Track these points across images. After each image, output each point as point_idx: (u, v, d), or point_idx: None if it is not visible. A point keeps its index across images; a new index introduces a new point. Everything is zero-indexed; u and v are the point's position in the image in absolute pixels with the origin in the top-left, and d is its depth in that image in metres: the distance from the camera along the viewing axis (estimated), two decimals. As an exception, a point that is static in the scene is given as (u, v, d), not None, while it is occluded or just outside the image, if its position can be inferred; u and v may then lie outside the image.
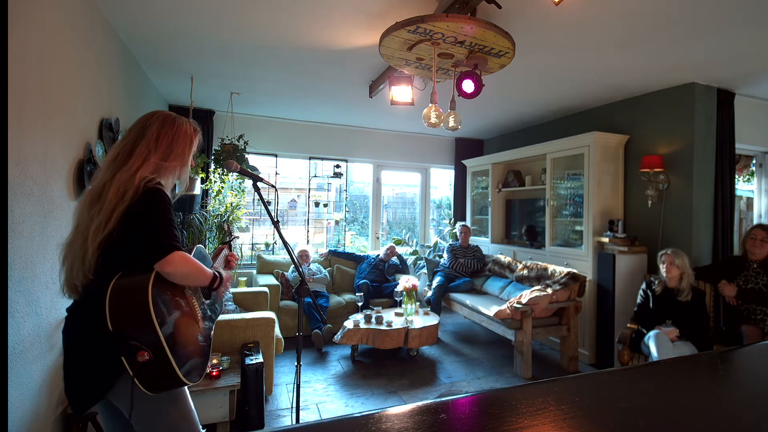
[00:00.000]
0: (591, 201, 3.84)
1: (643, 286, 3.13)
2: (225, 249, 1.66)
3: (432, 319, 3.91)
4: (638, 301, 3.12)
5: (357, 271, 5.13)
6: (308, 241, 5.51)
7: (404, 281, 4.07)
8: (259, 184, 1.79)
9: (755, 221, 4.40)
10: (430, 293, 4.68)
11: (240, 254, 4.64)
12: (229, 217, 4.17)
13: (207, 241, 4.03)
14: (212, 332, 1.42)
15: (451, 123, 2.52)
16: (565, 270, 3.78)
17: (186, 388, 1.32)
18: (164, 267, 1.17)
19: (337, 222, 5.83)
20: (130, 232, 1.19)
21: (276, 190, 3.50)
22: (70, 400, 1.22)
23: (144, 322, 1.12)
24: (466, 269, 4.82)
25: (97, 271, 1.20)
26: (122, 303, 1.13)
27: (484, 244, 5.44)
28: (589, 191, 3.86)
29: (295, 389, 1.89)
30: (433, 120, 2.43)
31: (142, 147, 1.29)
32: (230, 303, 3.41)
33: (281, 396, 3.08)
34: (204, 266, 1.32)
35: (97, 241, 1.18)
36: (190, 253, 1.32)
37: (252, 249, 5.32)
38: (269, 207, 1.82)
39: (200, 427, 1.35)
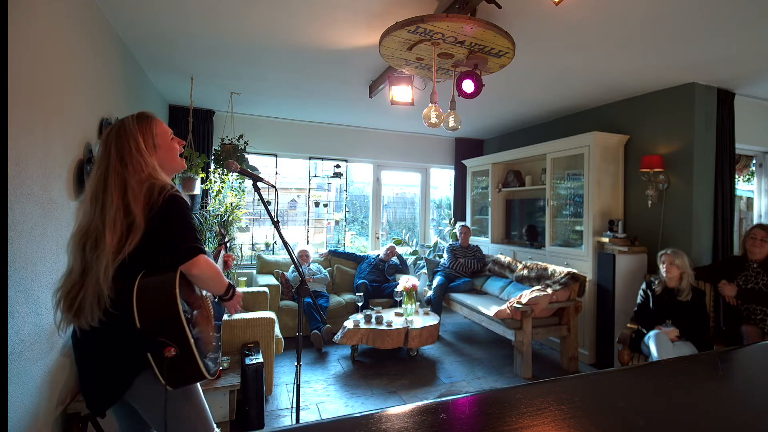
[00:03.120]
0: (591, 201, 3.84)
1: (643, 286, 3.13)
2: (222, 250, 1.68)
3: (432, 319, 3.91)
4: (638, 301, 3.12)
5: (357, 271, 5.13)
6: (308, 241, 5.51)
7: (404, 281, 4.07)
8: (259, 184, 1.79)
9: (755, 221, 4.40)
10: (430, 293, 4.68)
11: (240, 254, 4.64)
12: (229, 217, 4.17)
13: (207, 241, 4.03)
14: (221, 329, 1.48)
15: (451, 123, 2.52)
16: (565, 270, 3.78)
17: (199, 386, 1.36)
18: (191, 269, 1.20)
19: (337, 222, 5.83)
20: (154, 238, 1.21)
21: (276, 190, 3.50)
22: (89, 401, 1.24)
23: (172, 319, 1.15)
24: (466, 269, 4.81)
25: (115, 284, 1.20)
26: (150, 300, 1.16)
27: (484, 244, 5.44)
28: (589, 191, 3.86)
29: (295, 389, 1.89)
30: (433, 120, 2.43)
31: (113, 177, 1.24)
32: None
33: (281, 396, 3.08)
34: (222, 274, 1.36)
35: (110, 275, 1.17)
36: None
37: (252, 249, 5.32)
38: (269, 207, 1.81)
39: (214, 423, 1.36)
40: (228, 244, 1.80)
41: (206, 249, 1.25)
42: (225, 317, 3.33)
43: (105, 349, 1.20)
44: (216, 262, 1.57)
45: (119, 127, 1.32)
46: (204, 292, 1.38)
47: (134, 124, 1.32)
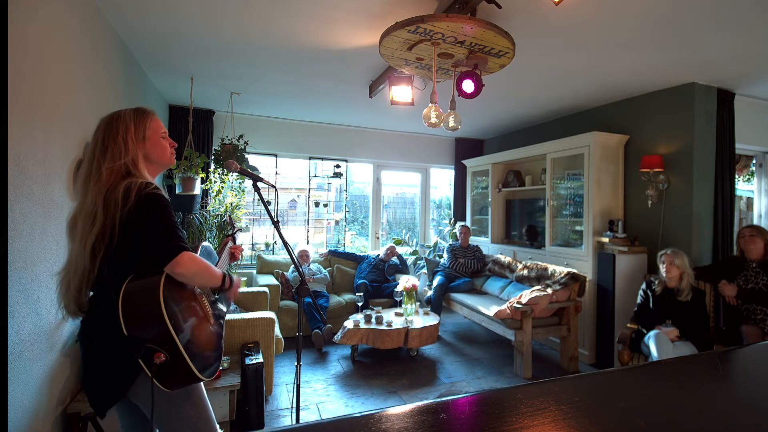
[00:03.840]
0: (591, 201, 3.84)
1: (643, 286, 3.13)
2: (229, 242, 1.66)
3: (432, 319, 3.90)
4: (638, 301, 3.12)
5: (357, 271, 5.13)
6: (308, 241, 5.51)
7: (404, 281, 4.07)
8: (259, 184, 1.79)
9: (755, 221, 4.40)
10: (430, 293, 4.68)
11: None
12: (229, 216, 4.18)
13: (207, 240, 4.03)
14: (223, 328, 1.43)
15: (451, 123, 2.52)
16: (565, 270, 3.78)
17: (202, 385, 1.34)
18: (174, 268, 1.18)
19: (337, 222, 5.83)
20: (133, 239, 1.19)
21: (276, 190, 3.51)
22: (92, 401, 1.24)
23: (157, 324, 1.12)
24: (466, 269, 4.81)
25: (104, 281, 1.21)
26: (135, 307, 1.13)
27: (484, 244, 5.44)
28: (589, 191, 3.86)
29: (295, 389, 1.89)
30: (433, 120, 2.43)
31: (95, 164, 1.25)
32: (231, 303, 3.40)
33: (281, 396, 3.08)
34: (213, 266, 1.33)
35: (86, 263, 1.19)
36: (196, 251, 1.33)
37: (252, 249, 5.32)
38: (269, 207, 1.81)
39: (216, 424, 1.35)
40: (235, 236, 1.79)
41: (187, 246, 1.22)
42: (231, 307, 3.33)
43: (106, 350, 1.20)
44: (221, 255, 1.57)
45: (113, 114, 1.33)
46: (198, 290, 1.34)
47: (130, 114, 1.33)
